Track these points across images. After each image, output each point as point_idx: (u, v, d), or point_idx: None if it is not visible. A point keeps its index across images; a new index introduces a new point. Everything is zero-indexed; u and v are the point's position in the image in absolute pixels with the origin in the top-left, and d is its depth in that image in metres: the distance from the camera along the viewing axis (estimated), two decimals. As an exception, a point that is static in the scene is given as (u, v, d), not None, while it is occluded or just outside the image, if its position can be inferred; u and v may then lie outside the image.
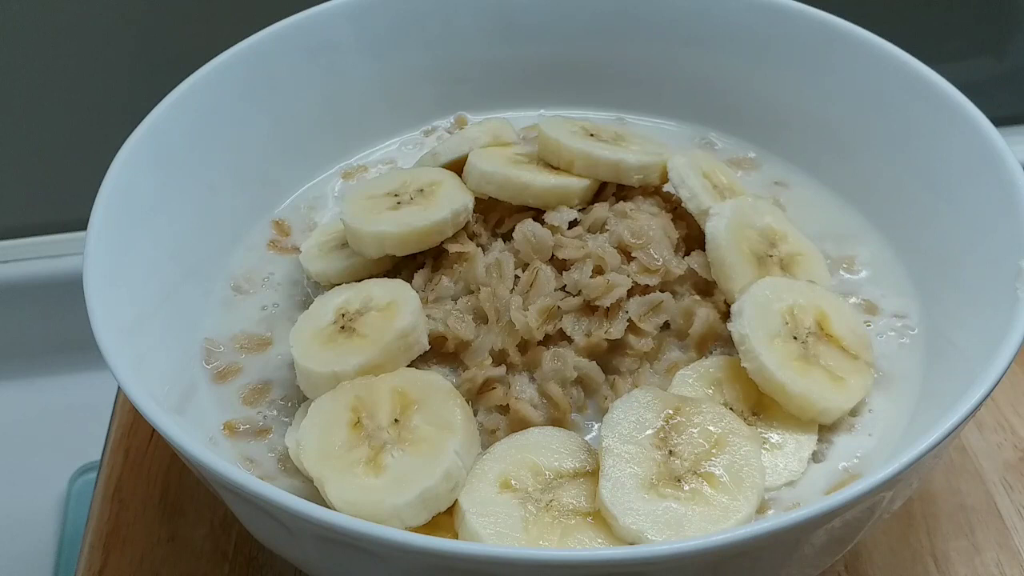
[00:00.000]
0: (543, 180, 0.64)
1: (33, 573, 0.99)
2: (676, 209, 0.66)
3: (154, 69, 1.02)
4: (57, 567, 1.00)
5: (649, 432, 0.55)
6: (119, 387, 0.78)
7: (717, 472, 0.54)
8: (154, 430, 0.76)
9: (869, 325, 0.64)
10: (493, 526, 0.52)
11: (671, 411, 0.56)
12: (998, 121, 0.63)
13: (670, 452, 0.54)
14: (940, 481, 0.69)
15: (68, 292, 0.71)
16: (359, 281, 0.62)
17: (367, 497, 0.52)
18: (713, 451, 0.54)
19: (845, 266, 0.68)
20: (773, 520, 0.45)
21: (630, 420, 0.55)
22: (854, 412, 0.59)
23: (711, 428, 0.55)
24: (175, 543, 0.68)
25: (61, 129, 1.06)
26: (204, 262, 0.67)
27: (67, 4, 0.99)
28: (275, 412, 0.61)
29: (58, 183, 1.04)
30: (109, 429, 0.76)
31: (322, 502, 0.51)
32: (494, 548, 0.47)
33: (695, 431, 0.55)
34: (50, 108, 1.05)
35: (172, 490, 0.71)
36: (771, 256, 0.63)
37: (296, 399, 0.61)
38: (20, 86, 1.03)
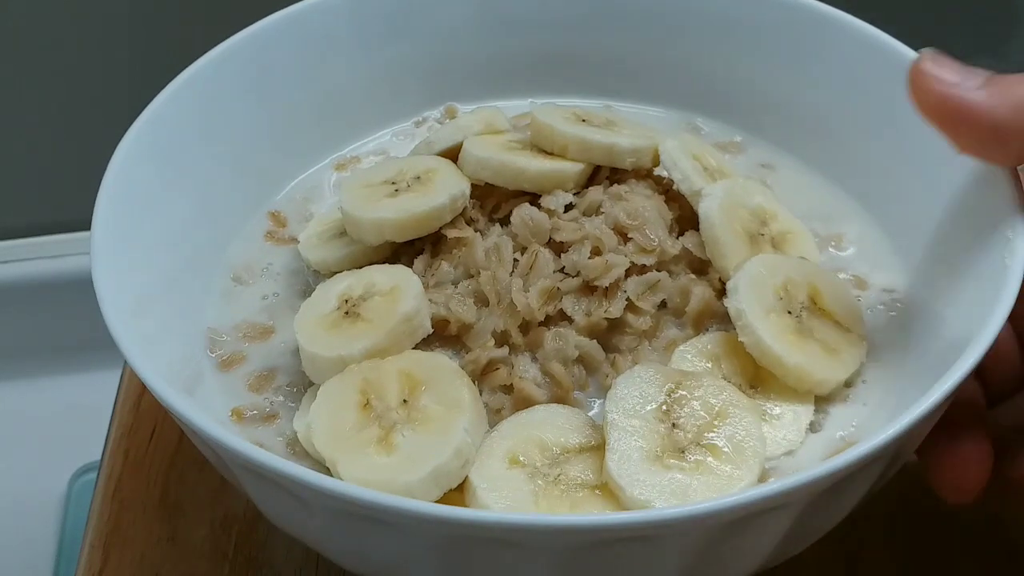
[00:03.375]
0: (539, 165, 0.65)
1: (33, 573, 0.99)
2: (668, 191, 0.67)
3: (150, 68, 1.01)
4: (57, 567, 0.99)
5: (652, 406, 0.56)
6: (119, 387, 0.79)
7: (719, 443, 0.55)
8: (154, 430, 0.76)
9: (859, 299, 0.65)
10: (504, 500, 0.53)
11: (673, 385, 0.57)
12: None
13: (673, 425, 0.55)
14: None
15: (68, 292, 0.71)
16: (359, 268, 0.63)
17: (379, 476, 0.52)
18: (715, 423, 0.56)
19: (833, 244, 0.69)
20: (781, 482, 0.46)
21: (634, 395, 0.56)
22: (848, 383, 0.61)
23: (712, 401, 0.56)
24: (175, 543, 0.68)
25: (61, 129, 1.06)
26: (203, 253, 0.67)
27: (67, 4, 0.98)
28: (281, 398, 0.62)
29: (58, 183, 1.03)
30: (109, 429, 0.76)
31: (335, 483, 0.52)
32: (517, 516, 0.47)
33: (697, 404, 0.56)
34: (50, 108, 1.05)
35: (172, 490, 0.71)
36: (763, 234, 0.64)
37: (301, 385, 0.62)
38: (20, 86, 1.03)
